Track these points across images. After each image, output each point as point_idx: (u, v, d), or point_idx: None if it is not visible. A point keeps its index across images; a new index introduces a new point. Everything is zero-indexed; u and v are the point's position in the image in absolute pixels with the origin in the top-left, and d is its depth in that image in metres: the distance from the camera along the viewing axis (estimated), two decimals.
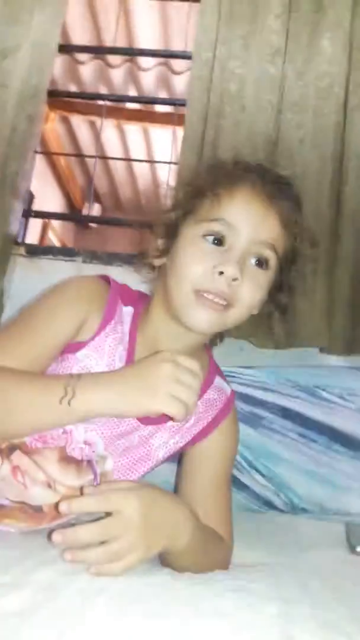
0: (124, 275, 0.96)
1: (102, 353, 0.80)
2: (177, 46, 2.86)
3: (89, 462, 0.80)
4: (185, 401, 0.67)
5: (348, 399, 1.23)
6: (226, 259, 0.76)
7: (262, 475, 1.18)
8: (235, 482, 1.16)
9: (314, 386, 1.25)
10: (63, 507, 0.61)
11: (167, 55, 2.70)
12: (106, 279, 0.88)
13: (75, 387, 0.67)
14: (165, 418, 0.78)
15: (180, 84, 3.13)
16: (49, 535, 0.63)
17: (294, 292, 0.89)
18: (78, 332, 0.80)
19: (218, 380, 0.93)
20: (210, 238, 0.78)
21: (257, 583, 0.65)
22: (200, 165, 0.92)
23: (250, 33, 1.56)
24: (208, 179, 0.82)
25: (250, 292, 0.78)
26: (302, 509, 1.17)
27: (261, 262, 0.79)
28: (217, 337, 0.96)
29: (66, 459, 0.79)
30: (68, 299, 0.81)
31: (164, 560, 0.72)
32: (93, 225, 4.94)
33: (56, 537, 0.61)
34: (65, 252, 1.61)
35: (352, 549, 0.94)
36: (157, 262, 0.87)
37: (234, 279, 0.75)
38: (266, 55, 1.53)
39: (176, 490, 0.91)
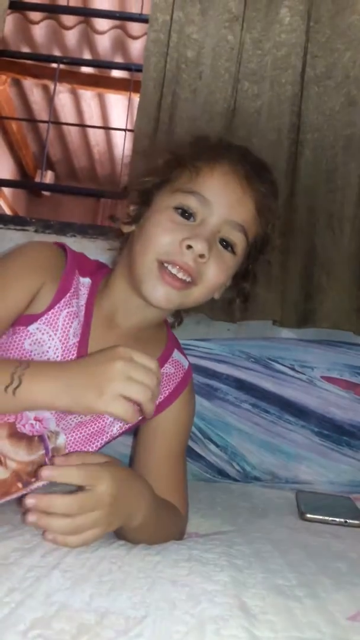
0: (78, 246, 0.94)
1: (56, 327, 0.78)
2: (133, 10, 2.77)
3: (40, 437, 0.79)
4: (140, 400, 0.65)
5: (299, 370, 1.26)
6: (196, 233, 0.75)
7: (216, 445, 1.20)
8: (190, 453, 1.18)
9: (267, 358, 1.27)
10: (45, 473, 0.60)
11: (123, 17, 2.61)
12: (62, 247, 0.85)
13: (22, 375, 0.64)
14: None
15: (136, 49, 3.04)
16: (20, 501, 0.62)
17: (257, 281, 0.90)
18: (31, 303, 0.78)
19: (176, 354, 0.93)
20: (181, 210, 0.77)
21: (210, 552, 0.66)
22: (183, 135, 0.92)
23: None
24: (190, 150, 0.81)
25: (215, 272, 0.77)
26: (255, 477, 1.20)
27: (230, 244, 0.78)
28: (178, 317, 0.96)
29: (16, 435, 0.78)
30: (22, 268, 0.79)
31: (118, 533, 0.72)
32: (46, 193, 4.81)
33: (29, 500, 0.59)
34: (16, 221, 1.57)
35: (301, 515, 0.97)
36: (125, 228, 0.84)
37: (201, 255, 0.74)
38: (224, 22, 1.51)
39: (132, 462, 0.92)
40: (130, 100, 2.86)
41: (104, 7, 2.79)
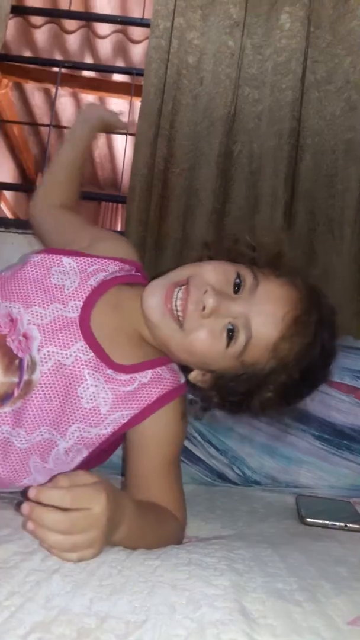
0: None
1: (84, 270, 0.88)
2: (135, 15, 2.78)
3: (21, 361, 0.79)
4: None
5: None
6: (222, 297, 0.77)
7: (216, 448, 1.20)
8: (190, 456, 1.18)
9: None
10: (32, 493, 0.58)
11: (124, 22, 2.62)
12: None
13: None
14: (108, 360, 0.82)
15: (138, 54, 3.06)
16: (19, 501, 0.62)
17: (226, 404, 0.86)
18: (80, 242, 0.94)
19: (176, 367, 0.90)
20: (238, 280, 0.79)
21: (210, 556, 0.66)
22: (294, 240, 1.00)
23: (208, 3, 1.54)
24: (289, 265, 0.83)
25: (201, 337, 0.77)
26: (255, 481, 1.20)
27: (233, 336, 0.77)
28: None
29: (3, 349, 0.80)
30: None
31: None
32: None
33: (24, 507, 0.58)
34: (18, 224, 1.57)
35: (301, 519, 0.97)
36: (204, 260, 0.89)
37: (203, 309, 0.76)
38: (225, 28, 1.51)
39: (124, 470, 0.89)
40: (131, 104, 2.87)
41: (105, 11, 2.80)
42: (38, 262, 0.87)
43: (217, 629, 0.47)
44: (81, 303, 0.84)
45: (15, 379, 0.79)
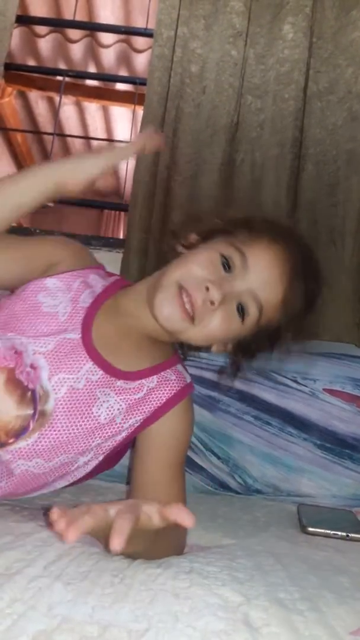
0: None
1: (70, 288, 0.87)
2: (138, 24, 2.80)
3: (33, 392, 0.80)
4: None
5: (301, 382, 1.26)
6: (220, 283, 0.79)
7: (218, 457, 1.20)
8: (191, 464, 1.18)
9: (269, 370, 1.27)
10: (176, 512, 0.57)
11: (128, 32, 2.64)
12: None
13: None
14: (116, 372, 0.84)
15: (141, 63, 3.08)
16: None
17: (254, 358, 0.91)
18: (50, 269, 0.88)
19: (180, 367, 0.93)
20: (224, 259, 0.81)
21: (212, 565, 0.66)
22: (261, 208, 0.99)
23: (212, 13, 1.55)
24: (262, 220, 0.87)
25: (217, 324, 0.80)
26: (256, 490, 1.20)
27: (244, 312, 0.81)
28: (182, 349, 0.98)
29: (13, 382, 0.80)
30: (56, 240, 0.93)
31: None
32: (50, 204, 4.83)
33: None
34: (21, 232, 1.58)
35: (303, 529, 0.97)
36: (179, 249, 0.90)
37: (212, 302, 0.78)
38: (228, 37, 1.53)
39: (130, 472, 0.91)
40: (134, 113, 2.89)
41: (109, 21, 2.82)
42: (24, 294, 0.87)
43: (219, 638, 0.47)
44: (80, 326, 0.85)
45: (30, 411, 0.80)
